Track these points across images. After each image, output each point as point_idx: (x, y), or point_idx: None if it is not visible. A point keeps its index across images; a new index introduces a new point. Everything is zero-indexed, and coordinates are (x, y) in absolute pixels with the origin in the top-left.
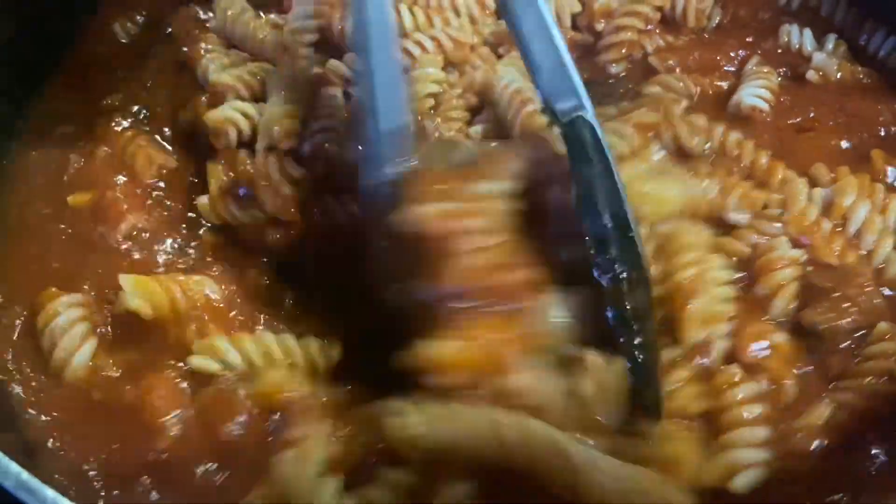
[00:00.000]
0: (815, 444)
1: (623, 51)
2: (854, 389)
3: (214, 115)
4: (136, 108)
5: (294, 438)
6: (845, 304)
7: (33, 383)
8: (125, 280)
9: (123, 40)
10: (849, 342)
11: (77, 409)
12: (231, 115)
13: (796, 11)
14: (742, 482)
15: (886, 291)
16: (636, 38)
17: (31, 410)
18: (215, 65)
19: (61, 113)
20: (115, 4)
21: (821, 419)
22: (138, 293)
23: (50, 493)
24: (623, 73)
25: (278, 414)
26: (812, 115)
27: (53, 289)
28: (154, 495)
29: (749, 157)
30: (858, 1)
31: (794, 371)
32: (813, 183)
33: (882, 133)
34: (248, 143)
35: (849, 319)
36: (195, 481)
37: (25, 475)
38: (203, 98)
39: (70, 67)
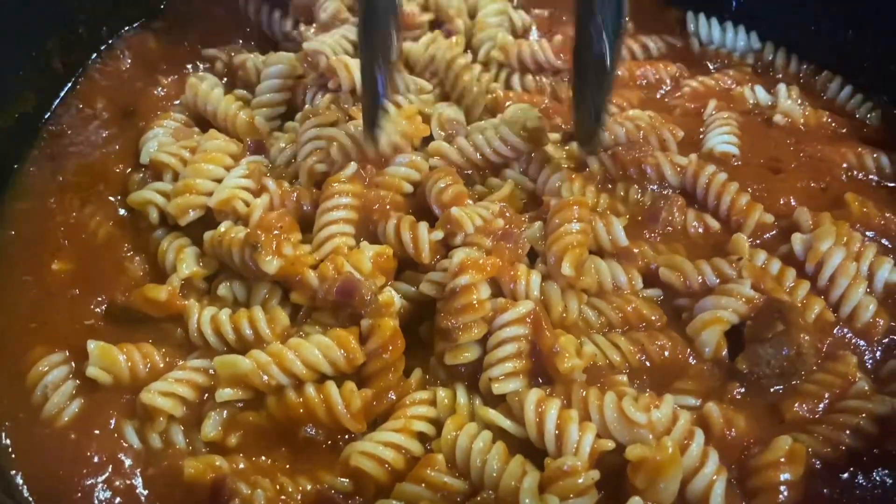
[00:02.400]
0: (784, 476)
1: None
2: (823, 435)
3: (134, 197)
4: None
5: None
6: (763, 351)
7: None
8: (92, 347)
9: (102, 117)
10: (780, 386)
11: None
12: (151, 197)
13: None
14: None
15: (861, 343)
16: None
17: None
18: (154, 142)
19: (35, 190)
20: (94, 81)
21: (781, 452)
22: (100, 361)
23: None
24: None
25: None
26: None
27: (39, 348)
28: None
29: (729, 195)
30: (813, 54)
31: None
32: (795, 227)
33: (844, 178)
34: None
35: (766, 368)
36: None
37: None
38: (137, 176)
39: (45, 144)
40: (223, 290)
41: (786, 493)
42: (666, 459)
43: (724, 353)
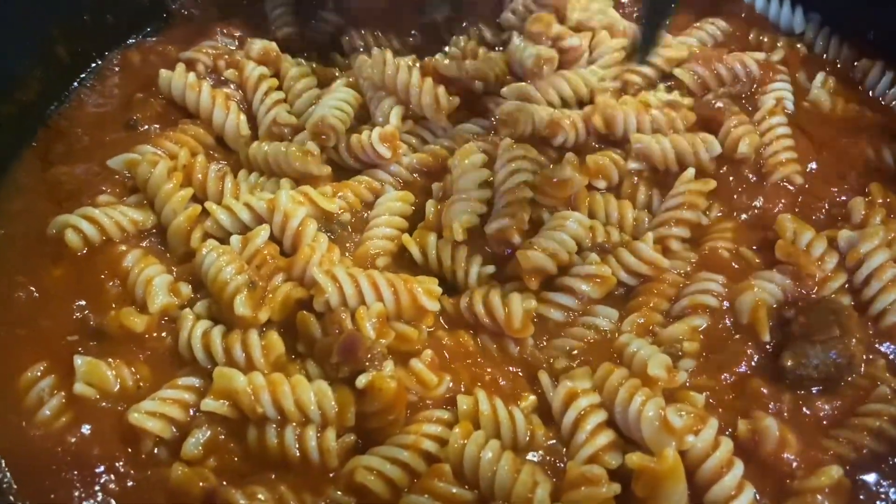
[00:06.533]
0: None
1: None
2: (848, 441)
3: (51, 227)
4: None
5: None
6: (813, 353)
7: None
8: (79, 363)
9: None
10: (819, 388)
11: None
12: (70, 222)
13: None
14: None
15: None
16: None
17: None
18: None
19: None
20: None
21: (829, 482)
22: (88, 377)
23: None
24: None
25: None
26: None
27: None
28: None
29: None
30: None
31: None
32: (846, 217)
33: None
34: None
35: (813, 370)
36: None
37: None
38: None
39: (39, 144)
40: (200, 307)
41: None
42: (665, 469)
43: (765, 335)
